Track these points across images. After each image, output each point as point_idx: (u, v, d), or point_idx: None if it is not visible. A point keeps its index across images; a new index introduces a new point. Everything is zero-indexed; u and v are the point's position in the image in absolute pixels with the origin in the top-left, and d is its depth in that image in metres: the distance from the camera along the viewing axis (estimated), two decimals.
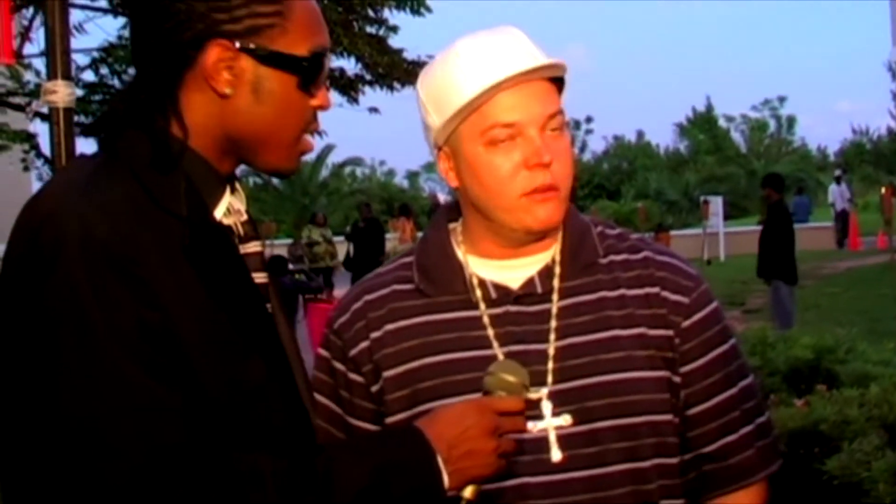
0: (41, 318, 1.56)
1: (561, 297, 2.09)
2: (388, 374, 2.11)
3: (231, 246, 1.76)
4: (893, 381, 5.48)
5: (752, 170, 56.94)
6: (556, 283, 2.10)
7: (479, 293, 2.10)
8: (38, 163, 9.27)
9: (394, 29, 9.92)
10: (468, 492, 1.78)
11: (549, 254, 2.13)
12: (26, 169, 9.45)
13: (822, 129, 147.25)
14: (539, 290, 2.09)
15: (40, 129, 9.65)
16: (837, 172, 37.67)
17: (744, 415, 2.16)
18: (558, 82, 2.10)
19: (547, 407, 2.04)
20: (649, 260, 2.15)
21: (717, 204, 31.87)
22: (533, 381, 1.99)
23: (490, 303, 2.10)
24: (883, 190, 15.58)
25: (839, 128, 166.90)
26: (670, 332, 2.11)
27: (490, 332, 2.07)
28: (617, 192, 57.12)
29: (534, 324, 2.07)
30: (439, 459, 1.71)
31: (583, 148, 65.00)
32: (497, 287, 2.10)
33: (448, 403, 1.82)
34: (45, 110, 7.66)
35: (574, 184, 2.12)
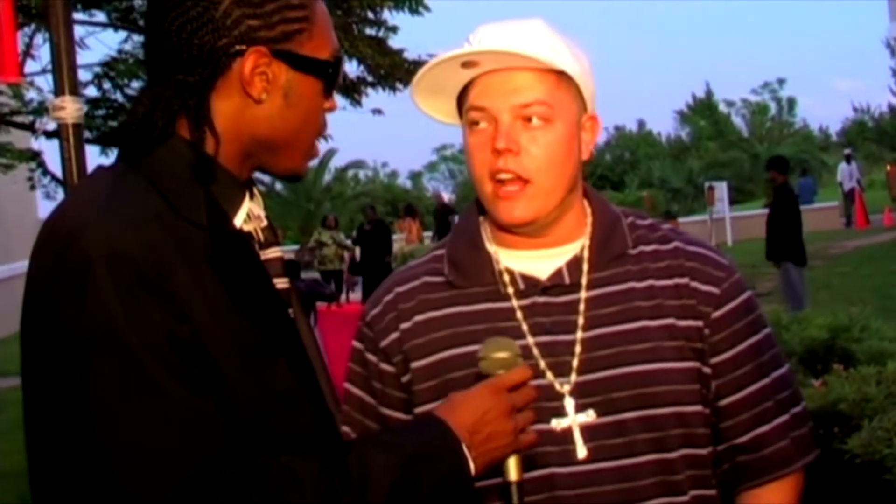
0: (75, 339, 1.56)
1: (589, 288, 2.10)
2: (416, 364, 2.13)
3: (252, 252, 1.77)
4: None
5: (755, 154, 56.91)
6: (584, 273, 2.10)
7: (508, 284, 2.11)
8: (45, 180, 9.27)
9: (393, 29, 9.92)
10: (513, 474, 1.81)
11: (577, 244, 2.14)
12: (32, 188, 9.45)
13: (823, 110, 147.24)
14: (567, 280, 2.10)
15: (45, 147, 9.65)
16: (847, 151, 37.54)
17: (778, 405, 2.15)
18: (565, 77, 2.08)
19: (570, 403, 2.04)
20: (679, 250, 2.15)
21: (721, 189, 31.80)
22: (559, 371, 2.03)
23: (518, 294, 2.10)
24: (889, 167, 15.51)
25: (840, 107, 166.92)
26: (700, 323, 2.10)
27: (521, 323, 2.08)
28: (621, 183, 57.16)
29: (562, 314, 2.08)
30: (464, 447, 1.73)
31: None
32: (525, 278, 2.11)
33: (464, 391, 1.82)
34: (50, 126, 7.71)
35: (572, 178, 2.11)
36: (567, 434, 2.04)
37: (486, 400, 1.78)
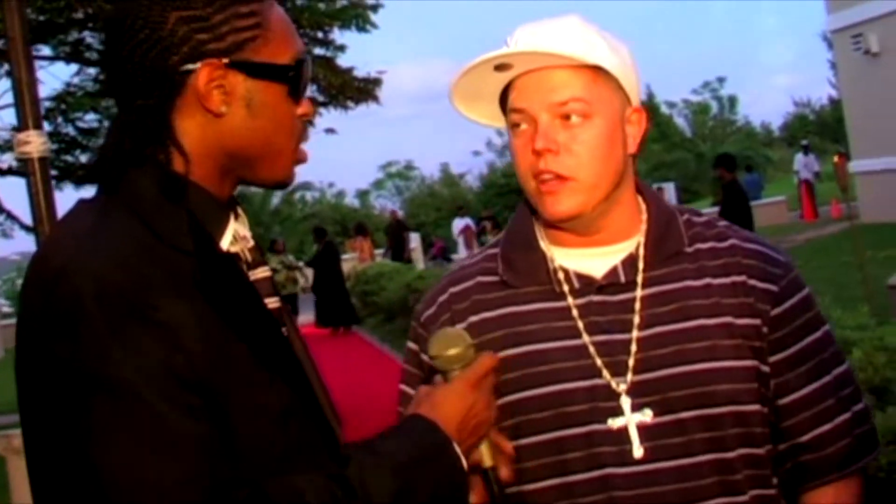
0: (71, 377, 1.55)
1: (644, 287, 2.07)
2: None
3: (241, 274, 1.75)
4: (874, 344, 5.56)
5: (699, 153, 57.28)
6: (640, 271, 2.07)
7: (563, 283, 2.08)
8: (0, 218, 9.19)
9: (341, 48, 9.94)
10: (488, 460, 1.82)
11: (632, 242, 2.11)
12: None
13: (764, 106, 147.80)
14: (623, 279, 2.07)
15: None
16: (805, 142, 37.84)
17: (839, 403, 2.12)
18: (602, 72, 2.06)
19: (626, 402, 2.02)
20: (736, 248, 2.12)
21: (669, 190, 32.05)
22: (616, 370, 2.01)
23: (574, 292, 2.07)
24: (836, 158, 15.59)
25: (780, 102, 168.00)
26: (758, 321, 2.07)
27: (577, 321, 2.05)
28: None
29: (617, 313, 2.05)
30: (455, 445, 1.74)
31: None
32: (580, 276, 2.08)
33: (440, 386, 1.82)
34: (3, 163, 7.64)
35: (617, 173, 2.08)
36: (623, 433, 2.01)
37: (468, 395, 1.79)
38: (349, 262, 25.33)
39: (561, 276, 2.09)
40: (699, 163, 53.77)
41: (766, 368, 2.07)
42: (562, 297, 2.08)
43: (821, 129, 51.54)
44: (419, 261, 30.94)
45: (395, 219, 32.76)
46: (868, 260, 14.44)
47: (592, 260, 2.10)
